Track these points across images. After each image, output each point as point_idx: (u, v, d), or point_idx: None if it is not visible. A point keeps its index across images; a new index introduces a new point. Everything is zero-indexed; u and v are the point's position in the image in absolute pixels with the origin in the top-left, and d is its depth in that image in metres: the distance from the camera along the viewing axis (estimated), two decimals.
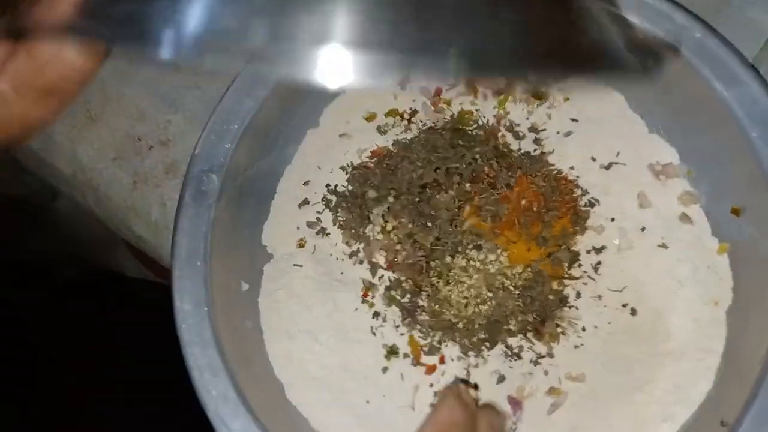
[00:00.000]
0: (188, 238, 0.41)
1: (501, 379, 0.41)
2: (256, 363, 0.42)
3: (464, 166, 0.43)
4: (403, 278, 0.44)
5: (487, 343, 0.42)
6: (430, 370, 0.42)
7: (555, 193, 0.43)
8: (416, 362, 0.42)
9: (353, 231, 0.45)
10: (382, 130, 0.47)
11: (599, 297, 0.42)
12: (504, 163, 0.44)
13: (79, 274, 0.77)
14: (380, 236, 0.45)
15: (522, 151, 0.45)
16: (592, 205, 0.44)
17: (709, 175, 0.42)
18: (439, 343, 0.42)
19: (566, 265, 0.42)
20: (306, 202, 0.46)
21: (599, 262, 0.43)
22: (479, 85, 0.47)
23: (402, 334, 0.43)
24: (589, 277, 0.43)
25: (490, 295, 0.41)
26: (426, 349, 0.42)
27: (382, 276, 0.44)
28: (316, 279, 0.45)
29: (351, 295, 0.44)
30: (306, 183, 0.47)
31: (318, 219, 0.46)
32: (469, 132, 0.46)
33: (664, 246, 0.42)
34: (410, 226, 0.43)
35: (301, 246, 0.46)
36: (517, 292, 0.42)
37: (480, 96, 0.47)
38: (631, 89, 0.45)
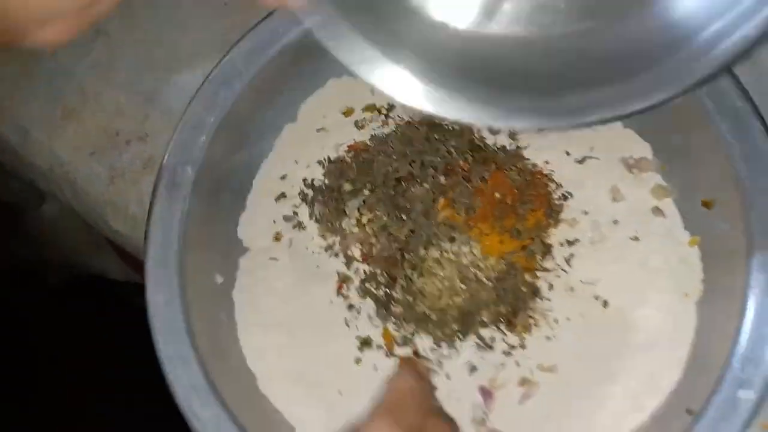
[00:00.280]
0: (161, 229, 0.41)
1: (473, 369, 0.41)
2: (229, 355, 0.42)
3: (439, 159, 0.44)
4: (378, 271, 0.44)
5: (460, 334, 0.42)
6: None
7: (529, 186, 0.44)
8: (389, 354, 0.42)
9: (329, 224, 0.45)
10: (359, 125, 0.47)
11: (572, 289, 0.42)
12: (479, 157, 0.44)
13: (66, 279, 0.77)
14: (356, 229, 0.45)
15: (497, 146, 0.45)
16: (565, 198, 0.44)
17: (681, 169, 0.43)
18: (412, 334, 0.42)
19: (539, 257, 0.43)
20: (283, 195, 0.47)
21: (572, 255, 0.43)
22: None
23: (376, 327, 0.43)
24: (562, 269, 0.43)
25: (464, 286, 0.42)
26: (399, 340, 0.42)
27: (358, 269, 0.44)
28: (292, 272, 0.45)
29: (326, 288, 0.44)
30: (283, 177, 0.47)
31: (294, 213, 0.46)
32: (445, 126, 0.46)
33: (636, 239, 0.42)
34: (385, 218, 0.44)
35: (277, 239, 0.46)
36: (490, 283, 0.42)
37: None
38: None
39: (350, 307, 0.44)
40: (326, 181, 0.46)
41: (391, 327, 0.43)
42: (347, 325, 0.43)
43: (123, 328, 0.61)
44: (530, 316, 0.42)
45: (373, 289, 0.44)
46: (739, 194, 0.38)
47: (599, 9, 0.27)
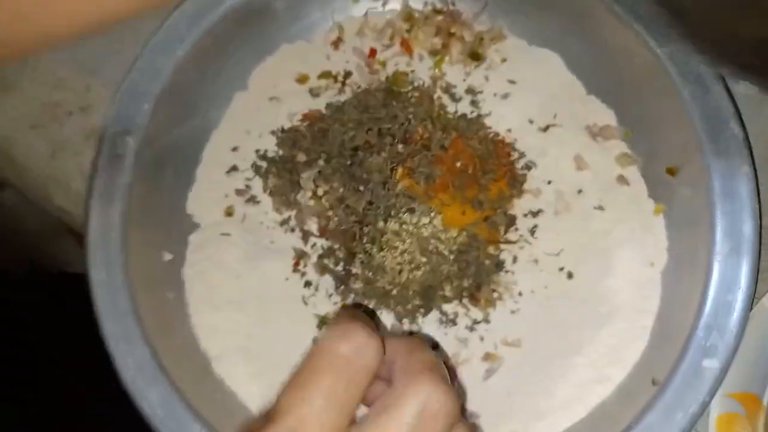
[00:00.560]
0: (102, 203, 0.39)
1: (435, 346, 0.40)
2: (178, 335, 0.40)
3: (397, 127, 0.42)
4: (336, 246, 0.42)
5: (422, 310, 0.41)
6: None
7: (491, 155, 0.42)
8: None
9: (284, 197, 0.43)
10: (314, 93, 0.45)
11: (536, 261, 0.41)
12: (439, 125, 0.42)
13: (29, 272, 0.74)
14: (312, 202, 0.43)
15: (458, 113, 0.44)
16: (529, 168, 0.43)
17: (646, 136, 0.42)
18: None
19: (502, 229, 0.41)
20: (234, 168, 0.44)
21: (536, 226, 0.42)
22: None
23: (335, 303, 0.41)
24: (526, 241, 0.41)
25: (424, 260, 0.40)
26: None
27: (315, 244, 0.43)
28: (244, 248, 0.43)
29: (281, 264, 0.42)
30: (234, 149, 0.45)
31: (247, 186, 0.44)
32: (404, 93, 0.44)
33: (600, 208, 0.41)
34: (342, 190, 0.42)
35: (229, 215, 0.44)
36: (452, 256, 0.40)
37: (416, 57, 0.45)
38: (568, 50, 0.44)
39: (307, 284, 0.42)
40: (280, 152, 0.44)
41: (350, 304, 0.41)
42: (305, 302, 0.42)
43: None
44: (494, 290, 0.41)
45: (331, 265, 0.42)
46: (702, 159, 0.37)
47: None
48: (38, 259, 0.73)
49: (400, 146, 0.41)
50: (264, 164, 0.44)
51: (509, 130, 0.43)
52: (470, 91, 0.44)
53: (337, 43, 0.46)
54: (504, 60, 0.45)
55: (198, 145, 0.44)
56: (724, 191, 0.37)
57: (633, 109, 0.42)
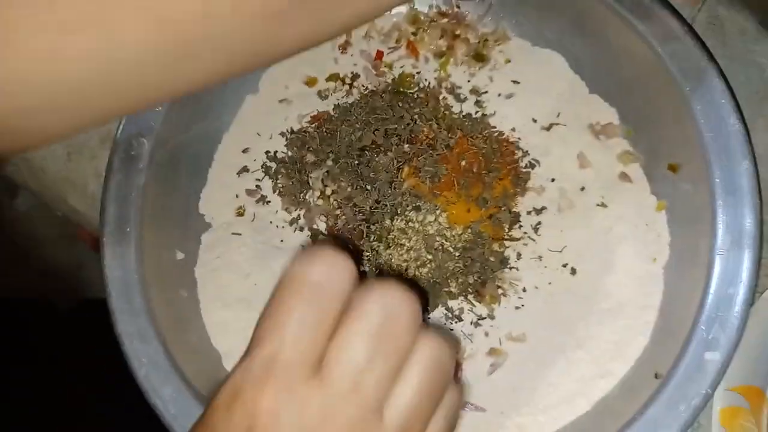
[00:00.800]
0: (117, 204, 0.40)
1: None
2: (191, 332, 0.41)
3: (403, 127, 0.43)
4: (343, 244, 0.43)
5: (428, 307, 0.41)
6: None
7: (495, 154, 0.43)
8: None
9: (293, 197, 0.44)
10: (323, 95, 0.46)
11: (540, 258, 0.42)
12: (444, 125, 0.43)
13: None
14: (320, 201, 0.44)
15: (463, 113, 0.45)
16: (532, 166, 0.43)
17: (647, 134, 0.42)
18: None
19: (507, 226, 0.42)
20: (245, 169, 0.45)
21: (539, 223, 0.42)
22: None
23: None
24: (530, 237, 0.42)
25: (430, 257, 0.41)
26: None
27: None
28: (255, 247, 0.44)
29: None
30: (245, 150, 0.46)
31: (258, 187, 0.45)
32: (410, 94, 0.45)
33: (603, 205, 0.42)
34: (349, 189, 0.43)
35: (240, 214, 0.45)
36: (457, 253, 0.41)
37: (421, 59, 0.46)
38: (571, 51, 0.45)
39: None
40: (289, 153, 0.45)
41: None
42: None
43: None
44: (498, 286, 0.41)
45: None
46: (703, 156, 0.37)
47: None
48: (50, 260, 0.74)
49: (406, 146, 0.42)
50: (274, 165, 0.45)
51: (513, 130, 0.44)
52: (475, 91, 0.45)
53: (344, 47, 0.47)
54: (508, 61, 0.46)
55: (210, 147, 0.45)
56: (726, 187, 0.37)
57: (635, 108, 0.42)
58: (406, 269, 0.41)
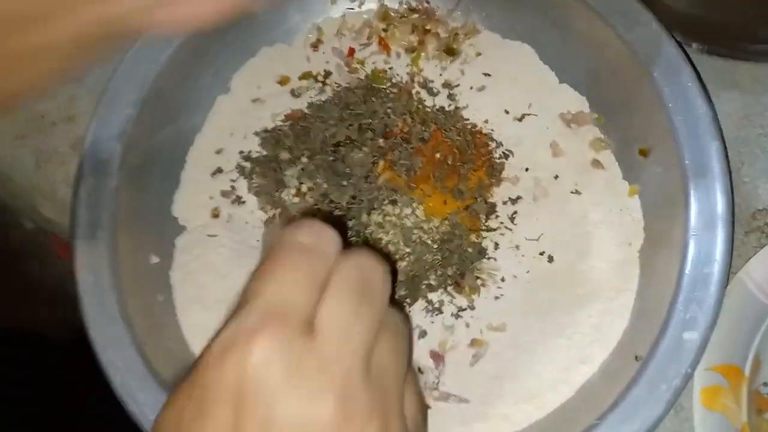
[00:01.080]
0: (89, 209, 0.39)
1: (423, 334, 0.41)
2: (168, 337, 0.40)
3: (377, 121, 0.43)
4: None
5: (408, 300, 0.41)
6: None
7: (470, 146, 0.43)
8: None
9: (268, 196, 0.44)
10: (296, 93, 0.46)
11: (517, 247, 0.42)
12: (418, 118, 0.43)
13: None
14: (296, 199, 0.43)
15: (436, 107, 0.45)
16: (506, 156, 0.44)
17: (617, 120, 0.43)
18: None
19: (483, 216, 0.42)
20: (219, 170, 0.45)
21: (515, 212, 0.43)
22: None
23: None
24: (506, 227, 0.42)
25: (408, 250, 0.41)
26: None
27: None
28: (231, 248, 0.43)
29: None
30: (218, 151, 0.45)
31: (232, 187, 0.45)
32: (383, 90, 0.45)
33: (577, 192, 0.42)
34: (325, 185, 0.42)
35: (215, 216, 0.44)
36: (435, 245, 0.41)
37: (393, 55, 0.46)
38: (540, 42, 0.45)
39: None
40: (263, 152, 0.44)
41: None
42: None
43: None
44: (477, 277, 0.42)
45: None
46: (673, 139, 0.38)
47: None
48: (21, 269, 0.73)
49: (380, 140, 0.42)
50: (248, 165, 0.45)
51: (486, 121, 0.44)
52: (447, 85, 0.45)
53: (316, 45, 0.47)
54: (479, 54, 0.46)
55: (183, 149, 0.45)
56: (696, 168, 0.38)
57: (604, 95, 0.43)
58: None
